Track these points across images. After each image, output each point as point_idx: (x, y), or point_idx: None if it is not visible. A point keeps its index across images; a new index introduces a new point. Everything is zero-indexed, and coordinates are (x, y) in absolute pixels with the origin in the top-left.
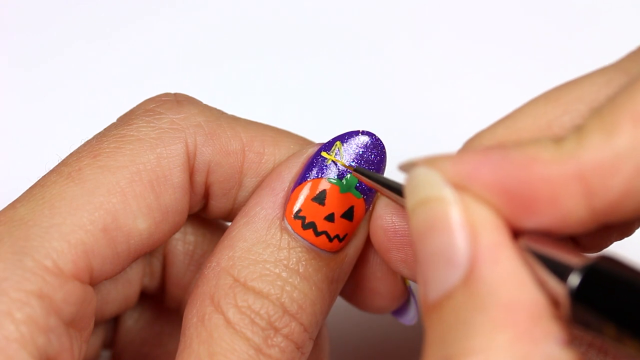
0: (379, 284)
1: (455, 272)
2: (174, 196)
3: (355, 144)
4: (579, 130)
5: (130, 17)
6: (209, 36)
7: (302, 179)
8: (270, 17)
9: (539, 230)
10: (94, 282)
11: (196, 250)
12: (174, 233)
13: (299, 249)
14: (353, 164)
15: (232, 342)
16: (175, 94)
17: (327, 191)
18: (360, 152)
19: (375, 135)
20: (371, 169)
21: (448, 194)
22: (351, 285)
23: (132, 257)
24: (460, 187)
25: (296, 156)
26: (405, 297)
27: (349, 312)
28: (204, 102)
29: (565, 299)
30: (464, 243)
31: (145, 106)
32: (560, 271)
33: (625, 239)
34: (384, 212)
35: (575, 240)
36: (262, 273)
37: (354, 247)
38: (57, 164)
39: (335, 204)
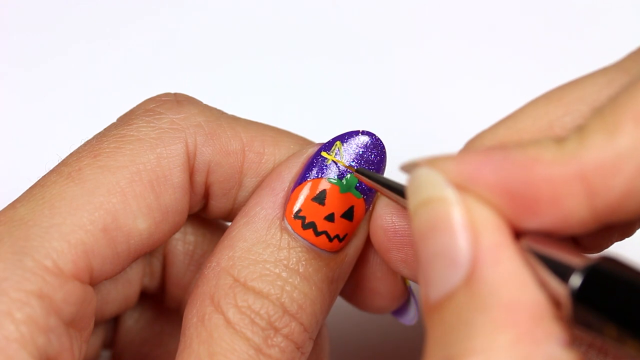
0: (379, 284)
1: (456, 272)
2: (174, 196)
3: (355, 144)
4: (580, 130)
5: (130, 17)
6: (209, 36)
7: (302, 179)
8: (270, 17)
9: (541, 230)
10: (94, 282)
11: (196, 250)
12: (174, 233)
13: (299, 249)
14: (353, 164)
15: (232, 342)
16: (175, 94)
17: (327, 191)
18: (360, 152)
19: (375, 135)
20: (371, 169)
21: (450, 194)
22: (351, 285)
23: (132, 257)
24: (462, 187)
25: (296, 156)
26: (405, 297)
27: (349, 312)
28: (204, 102)
29: (566, 300)
30: (466, 243)
31: (145, 106)
32: (561, 272)
33: (626, 239)
34: (384, 212)
35: (576, 240)
36: (262, 273)
37: (354, 247)
38: (57, 164)
39: (335, 204)
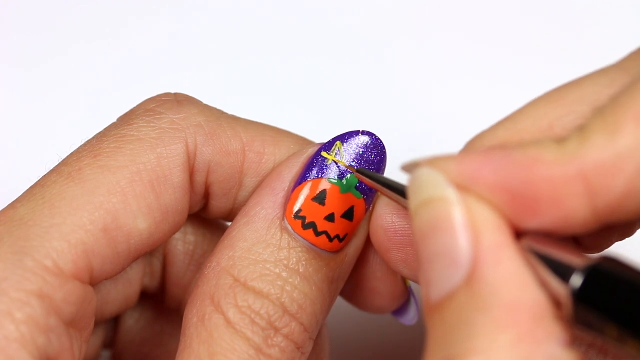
0: (379, 284)
1: (457, 272)
2: (174, 196)
3: (355, 144)
4: (581, 130)
5: (131, 17)
6: (209, 36)
7: (302, 179)
8: (271, 17)
9: (541, 230)
10: (94, 282)
11: (196, 250)
12: (174, 233)
13: (299, 249)
14: (353, 164)
15: (233, 342)
16: (175, 94)
17: (328, 191)
18: (361, 152)
19: (375, 135)
20: (371, 169)
21: (451, 194)
22: (351, 285)
23: (133, 257)
24: (462, 187)
25: (296, 156)
26: (405, 297)
27: (349, 312)
28: (204, 102)
29: (567, 300)
30: (467, 243)
31: (145, 106)
32: (562, 272)
33: (627, 239)
34: (384, 212)
35: (576, 240)
36: (262, 273)
37: (354, 247)
38: (57, 163)
39: (335, 204)
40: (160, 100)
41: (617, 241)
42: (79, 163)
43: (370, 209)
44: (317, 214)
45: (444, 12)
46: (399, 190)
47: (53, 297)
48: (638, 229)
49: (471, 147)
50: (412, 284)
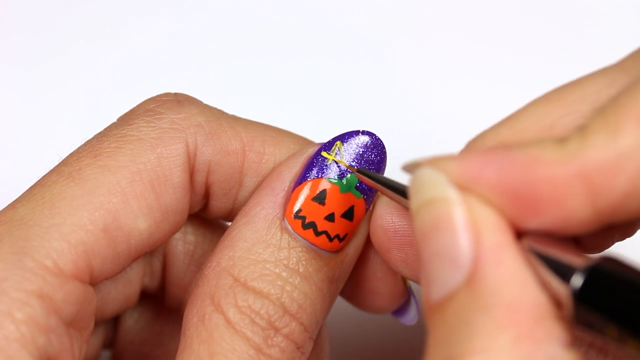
0: (379, 284)
1: (458, 272)
2: (174, 196)
3: (355, 143)
4: (582, 130)
5: (131, 17)
6: (209, 36)
7: (302, 178)
8: (271, 17)
9: (542, 230)
10: (94, 282)
11: (196, 250)
12: (174, 233)
13: (299, 248)
14: (353, 163)
15: (233, 342)
16: (175, 94)
17: (328, 191)
18: (361, 152)
19: (375, 135)
20: (371, 168)
21: (452, 194)
22: (351, 285)
23: (133, 257)
24: (463, 187)
25: (296, 156)
26: (405, 297)
27: (349, 312)
28: (204, 102)
29: (568, 300)
30: (468, 243)
31: (145, 106)
32: (563, 272)
33: (627, 239)
34: (384, 212)
35: (577, 240)
36: (262, 273)
37: (354, 247)
38: (57, 163)
39: (335, 204)
40: (160, 100)
41: (618, 241)
42: (79, 163)
43: (370, 208)
44: (317, 214)
45: (444, 12)
46: (399, 190)
47: (53, 297)
48: (638, 228)
49: (472, 146)
50: (412, 284)
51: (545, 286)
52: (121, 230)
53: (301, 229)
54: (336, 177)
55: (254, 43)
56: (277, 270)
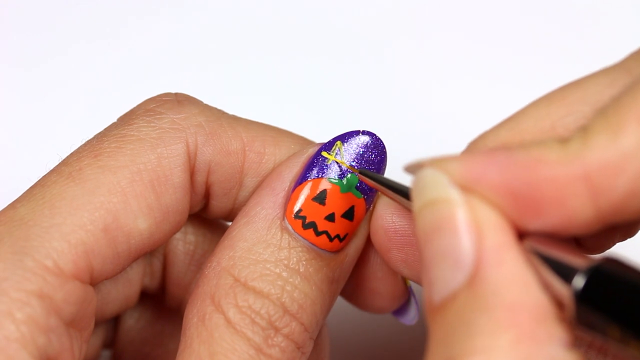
0: (379, 284)
1: (460, 273)
2: (174, 196)
3: (355, 143)
4: (584, 130)
5: (131, 17)
6: (209, 36)
7: (302, 178)
8: (271, 17)
9: (544, 231)
10: (95, 282)
11: (197, 250)
12: (174, 233)
13: (300, 248)
14: (353, 163)
15: (233, 341)
16: (175, 94)
17: (328, 191)
18: (361, 152)
19: (375, 135)
20: (371, 169)
21: (455, 195)
22: (351, 285)
23: (133, 257)
24: (466, 188)
25: (297, 156)
26: (405, 297)
27: (349, 312)
28: (205, 102)
29: (569, 301)
30: (470, 244)
31: (145, 106)
32: (564, 273)
33: (629, 239)
34: (385, 212)
35: (578, 241)
36: (262, 273)
37: (354, 247)
38: (57, 163)
39: (335, 204)
40: (161, 100)
41: (619, 241)
42: (79, 163)
43: (371, 208)
44: (317, 214)
45: (444, 12)
46: (399, 191)
47: (53, 297)
48: None
49: (473, 147)
50: (412, 283)
51: (546, 287)
52: (121, 230)
53: (301, 229)
54: (336, 177)
55: (254, 43)
56: (278, 270)
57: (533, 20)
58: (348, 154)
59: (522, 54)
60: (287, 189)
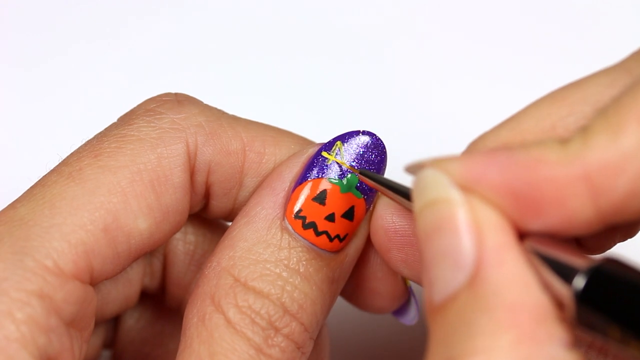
0: (379, 284)
1: (460, 273)
2: (174, 196)
3: (355, 143)
4: (584, 131)
5: (131, 17)
6: (209, 36)
7: (302, 178)
8: (271, 17)
9: (545, 231)
10: (95, 282)
11: (197, 250)
12: (174, 233)
13: (300, 248)
14: (353, 164)
15: (233, 342)
16: (175, 94)
17: (328, 191)
18: (361, 152)
19: (375, 135)
20: (371, 169)
21: (455, 195)
22: (351, 285)
23: (133, 257)
24: (466, 188)
25: (297, 156)
26: (405, 297)
27: (349, 312)
28: (205, 102)
29: (570, 301)
30: (470, 244)
31: (146, 106)
32: (565, 273)
33: (629, 240)
34: (385, 212)
35: (578, 241)
36: (262, 273)
37: (354, 247)
38: (57, 163)
39: (335, 204)
40: (161, 100)
41: (620, 242)
42: (80, 163)
43: (371, 208)
44: (317, 214)
45: (444, 13)
46: (400, 191)
47: (53, 297)
48: None
49: (474, 148)
50: (412, 284)
51: (547, 287)
52: (121, 230)
53: (301, 229)
54: (337, 177)
55: (254, 43)
56: (278, 270)
57: (533, 20)
58: (348, 154)
59: (522, 54)
60: (287, 189)
